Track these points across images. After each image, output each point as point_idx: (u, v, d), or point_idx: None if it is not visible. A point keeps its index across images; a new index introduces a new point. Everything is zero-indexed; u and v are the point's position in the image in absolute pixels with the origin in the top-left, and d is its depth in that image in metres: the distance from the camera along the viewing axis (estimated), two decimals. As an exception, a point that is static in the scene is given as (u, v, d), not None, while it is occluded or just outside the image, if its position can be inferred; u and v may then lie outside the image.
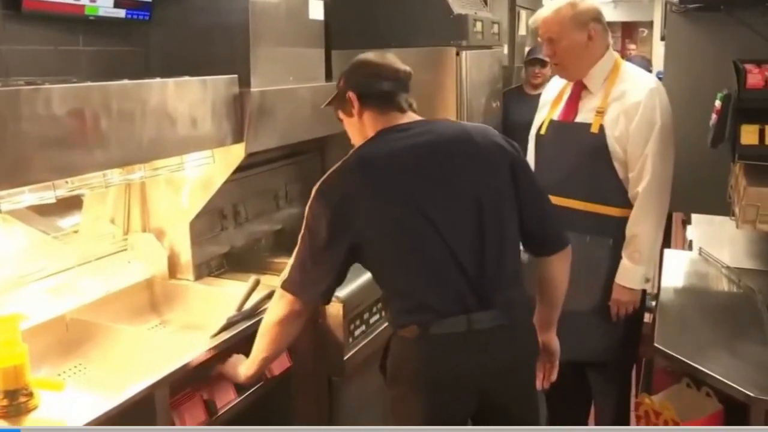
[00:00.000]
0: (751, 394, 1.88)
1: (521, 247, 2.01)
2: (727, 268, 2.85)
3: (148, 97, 2.05)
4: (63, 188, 2.01)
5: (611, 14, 10.62)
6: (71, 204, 2.41)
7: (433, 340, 1.83)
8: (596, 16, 2.54)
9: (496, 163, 1.92)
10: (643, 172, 2.46)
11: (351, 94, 1.97)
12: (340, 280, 1.94)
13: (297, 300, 1.95)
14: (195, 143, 2.28)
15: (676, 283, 2.81)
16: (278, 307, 1.99)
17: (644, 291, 2.63)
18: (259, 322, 2.25)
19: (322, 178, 1.91)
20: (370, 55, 2.01)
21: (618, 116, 2.49)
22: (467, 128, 2.00)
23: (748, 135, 2.29)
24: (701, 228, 3.23)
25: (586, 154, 2.52)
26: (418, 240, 1.84)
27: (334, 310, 2.45)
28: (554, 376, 2.21)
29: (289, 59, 2.70)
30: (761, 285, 2.64)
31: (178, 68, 2.35)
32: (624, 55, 7.98)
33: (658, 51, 6.16)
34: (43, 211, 2.25)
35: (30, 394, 1.85)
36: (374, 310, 2.67)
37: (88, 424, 1.66)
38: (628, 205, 2.51)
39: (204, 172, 2.51)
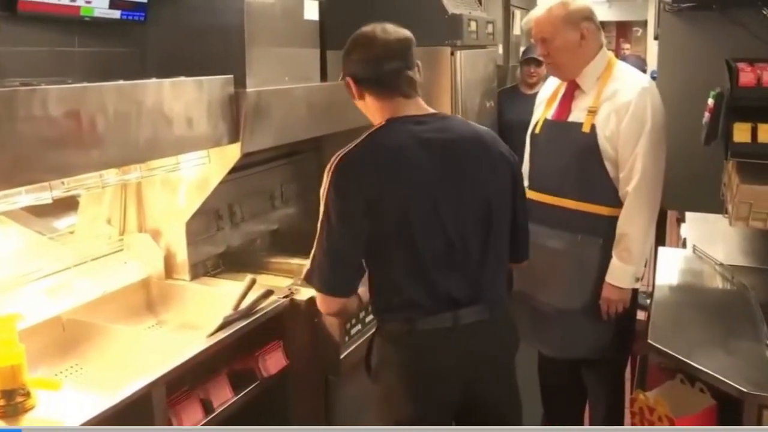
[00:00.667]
0: (744, 390, 1.90)
1: None
2: (721, 265, 2.86)
3: (143, 98, 2.06)
4: (59, 189, 2.01)
5: (606, 14, 10.63)
6: (67, 205, 2.42)
7: (419, 336, 1.85)
8: (588, 15, 2.55)
9: (502, 169, 1.96)
10: (633, 172, 2.47)
11: (348, 79, 1.94)
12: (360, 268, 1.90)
13: (335, 297, 1.92)
14: (191, 143, 2.29)
15: (670, 281, 2.82)
16: (325, 306, 1.97)
17: (635, 289, 2.64)
18: (255, 321, 2.27)
19: (336, 160, 1.85)
20: (362, 33, 1.94)
21: (609, 115, 2.50)
22: (479, 131, 1.99)
23: (741, 133, 2.30)
24: (695, 226, 3.24)
25: (577, 154, 2.53)
26: (423, 236, 1.84)
27: (330, 309, 2.46)
28: None
29: (285, 59, 2.70)
30: (754, 282, 2.66)
31: (173, 69, 2.35)
32: (618, 55, 8.01)
33: (653, 50, 6.18)
34: (39, 212, 2.26)
35: (27, 394, 1.85)
36: (370, 309, 2.68)
37: (85, 423, 1.66)
38: (619, 204, 2.51)
39: (200, 172, 2.52)
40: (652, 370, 2.43)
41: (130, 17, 2.43)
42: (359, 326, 2.60)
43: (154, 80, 2.15)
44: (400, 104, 1.91)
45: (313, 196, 3.59)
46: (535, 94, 2.96)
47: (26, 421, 1.81)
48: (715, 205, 2.65)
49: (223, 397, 2.15)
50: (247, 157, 2.53)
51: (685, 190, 2.87)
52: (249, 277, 2.44)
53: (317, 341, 2.49)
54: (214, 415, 2.09)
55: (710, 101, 2.47)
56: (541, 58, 3.21)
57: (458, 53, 3.41)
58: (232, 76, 2.40)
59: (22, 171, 1.73)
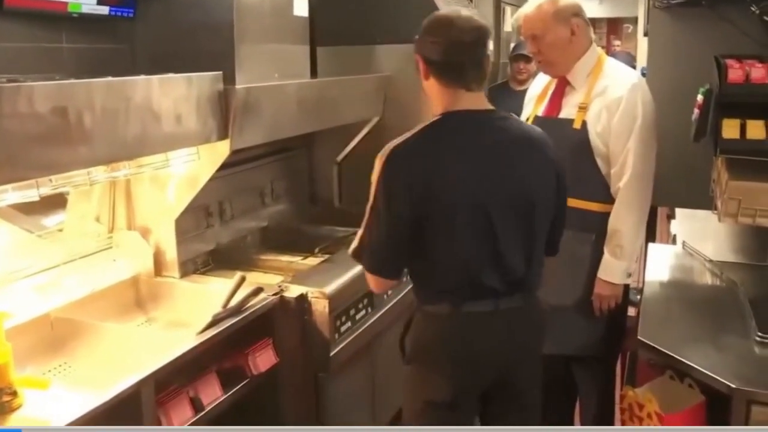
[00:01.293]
0: (733, 386, 1.90)
1: None
2: (710, 261, 2.87)
3: (132, 94, 2.04)
4: (47, 186, 2.00)
5: (596, 10, 10.64)
6: (56, 202, 2.41)
7: (462, 318, 1.91)
8: (577, 11, 2.55)
9: (548, 175, 2.00)
10: (625, 168, 2.48)
11: (417, 56, 1.95)
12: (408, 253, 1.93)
13: (385, 279, 1.98)
14: (180, 140, 2.27)
15: (660, 277, 2.83)
16: (376, 286, 2.03)
17: (627, 285, 2.64)
18: (244, 318, 2.26)
19: (389, 150, 1.87)
20: (442, 15, 1.95)
21: (600, 111, 2.50)
22: (532, 135, 2.02)
23: (730, 129, 2.31)
24: (685, 222, 3.25)
25: (568, 150, 2.51)
26: (468, 230, 1.87)
27: (320, 306, 2.46)
28: None
29: (274, 56, 2.69)
30: (743, 278, 2.67)
31: (163, 65, 2.34)
32: (609, 51, 8.01)
33: (643, 47, 6.19)
34: (27, 209, 2.24)
35: (14, 393, 1.84)
36: (360, 306, 2.68)
37: (74, 422, 1.65)
38: (611, 200, 2.52)
39: (189, 169, 2.50)
40: (641, 367, 2.44)
41: (119, 13, 2.41)
42: (349, 324, 2.61)
43: (142, 77, 2.13)
44: (461, 96, 1.92)
45: (302, 193, 3.61)
46: (525, 91, 2.95)
47: (13, 420, 1.80)
48: (705, 202, 2.66)
49: (213, 395, 2.15)
50: (236, 153, 2.52)
51: (674, 187, 2.88)
52: (238, 274, 2.43)
53: (307, 339, 2.49)
54: (203, 413, 2.09)
55: (699, 98, 2.48)
56: (531, 55, 3.21)
57: (448, 50, 3.40)
58: (221, 72, 2.38)
59: (8, 168, 1.71)
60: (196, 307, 2.43)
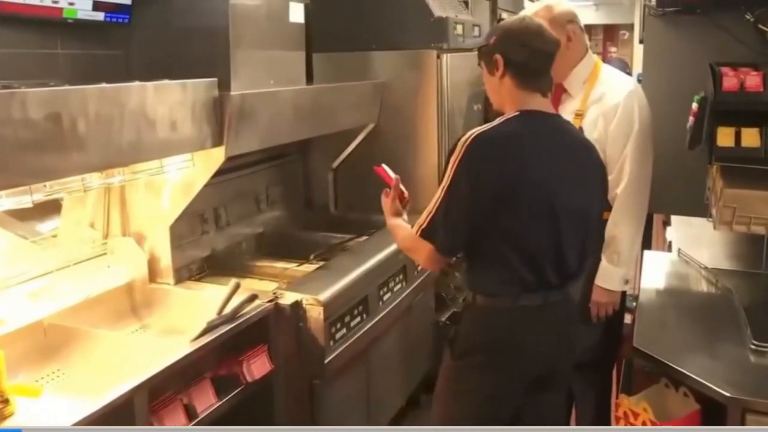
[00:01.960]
0: (728, 394, 1.91)
1: None
2: (706, 269, 2.87)
3: (127, 101, 2.04)
4: (41, 192, 1.99)
5: (592, 17, 10.66)
6: (50, 208, 2.40)
7: (516, 312, 1.98)
8: (572, 18, 2.56)
9: (599, 180, 2.13)
10: (622, 174, 2.49)
11: (498, 57, 2.00)
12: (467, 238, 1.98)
13: (438, 252, 2.02)
14: (175, 147, 2.27)
15: (655, 284, 2.83)
16: (421, 253, 2.06)
17: (624, 292, 2.64)
18: (239, 325, 2.25)
19: (470, 137, 1.92)
20: (532, 22, 2.03)
21: (597, 118, 2.51)
22: (586, 140, 2.14)
23: (724, 137, 2.32)
24: (681, 229, 3.25)
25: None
26: (536, 224, 1.94)
27: (315, 313, 2.45)
28: None
29: (270, 62, 2.69)
30: (738, 285, 2.67)
31: (158, 71, 2.33)
32: (605, 58, 8.02)
33: (639, 53, 6.22)
34: (21, 215, 2.23)
35: (6, 401, 1.83)
36: (355, 313, 2.67)
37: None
38: (608, 207, 2.52)
39: (184, 175, 2.50)
40: (637, 374, 2.43)
41: (114, 19, 2.41)
42: (344, 330, 2.60)
43: (137, 83, 2.13)
44: (534, 99, 2.00)
45: (298, 199, 3.60)
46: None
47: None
48: (700, 209, 2.66)
49: (207, 402, 2.13)
50: (231, 160, 2.51)
51: (670, 194, 2.89)
52: (233, 281, 2.42)
53: (302, 346, 2.48)
54: (197, 420, 2.07)
55: (694, 105, 2.48)
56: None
57: (444, 56, 3.41)
58: (216, 78, 2.38)
59: (2, 175, 1.71)
60: (191, 314, 2.43)
